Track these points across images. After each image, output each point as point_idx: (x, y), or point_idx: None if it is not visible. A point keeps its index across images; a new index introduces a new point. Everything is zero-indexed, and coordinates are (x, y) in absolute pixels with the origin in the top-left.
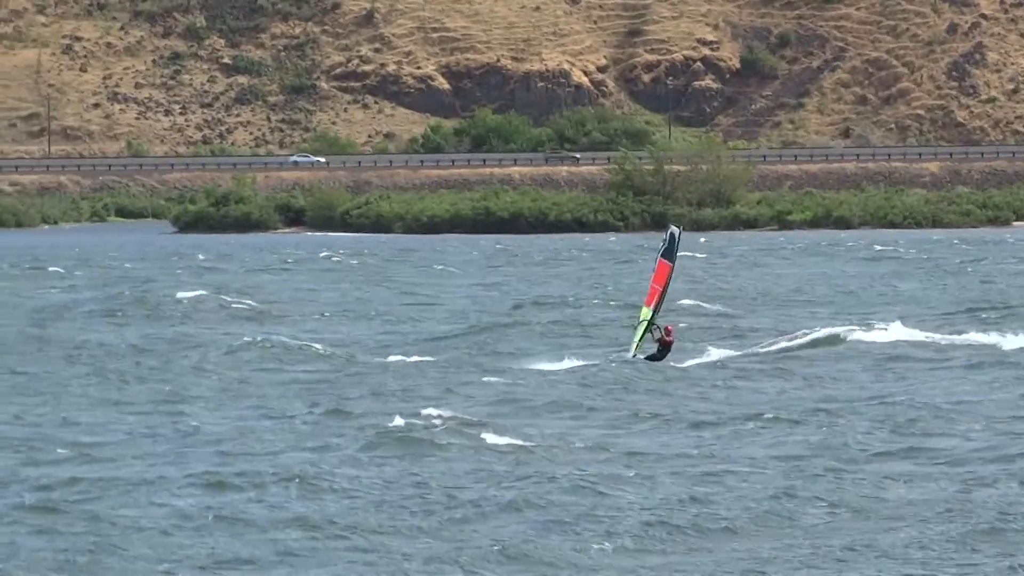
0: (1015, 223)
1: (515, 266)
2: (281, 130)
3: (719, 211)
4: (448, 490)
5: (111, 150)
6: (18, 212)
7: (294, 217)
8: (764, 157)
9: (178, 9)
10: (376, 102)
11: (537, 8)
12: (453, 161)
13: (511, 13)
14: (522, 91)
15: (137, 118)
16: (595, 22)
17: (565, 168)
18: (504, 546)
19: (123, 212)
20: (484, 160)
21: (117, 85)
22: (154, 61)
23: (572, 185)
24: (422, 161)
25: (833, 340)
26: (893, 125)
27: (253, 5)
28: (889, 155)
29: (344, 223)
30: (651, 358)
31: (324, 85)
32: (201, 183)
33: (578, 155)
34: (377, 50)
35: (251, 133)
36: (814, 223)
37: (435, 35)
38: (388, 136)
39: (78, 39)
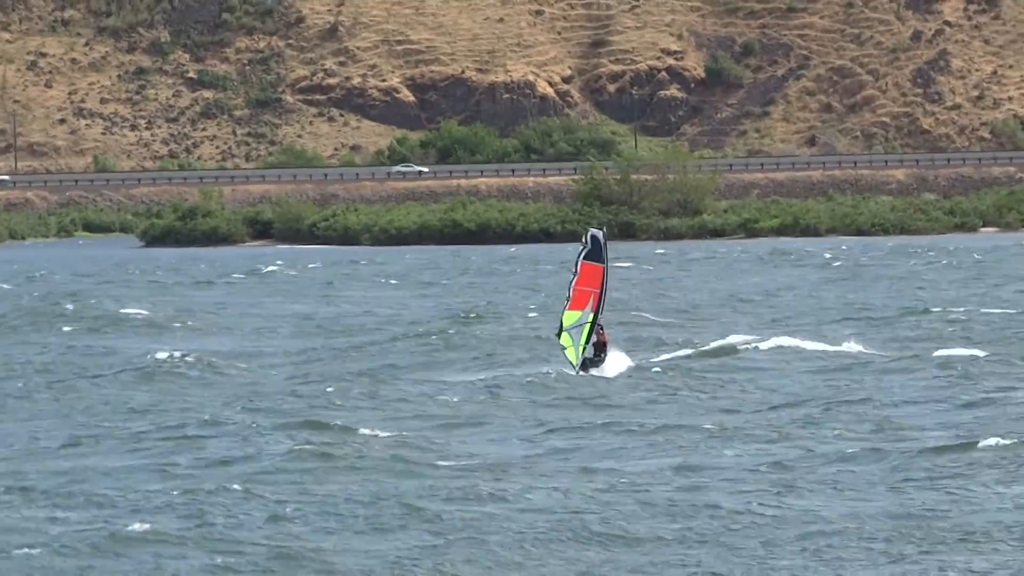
0: (982, 229)
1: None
2: (247, 143)
3: (686, 220)
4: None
5: (78, 165)
6: None
7: (262, 230)
8: (731, 166)
9: (142, 24)
10: (342, 115)
11: (501, 20)
12: (419, 173)
13: (475, 25)
14: (487, 102)
15: (103, 133)
16: (559, 33)
17: (532, 179)
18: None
19: (90, 227)
20: (450, 172)
21: (83, 101)
22: (119, 76)
23: (539, 196)
24: (388, 173)
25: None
26: (859, 133)
27: (217, 20)
28: (855, 163)
29: (312, 235)
30: (589, 362)
31: (289, 98)
32: (168, 197)
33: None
34: (342, 63)
35: (217, 147)
36: (781, 231)
37: (399, 47)
38: (354, 148)
39: (43, 55)
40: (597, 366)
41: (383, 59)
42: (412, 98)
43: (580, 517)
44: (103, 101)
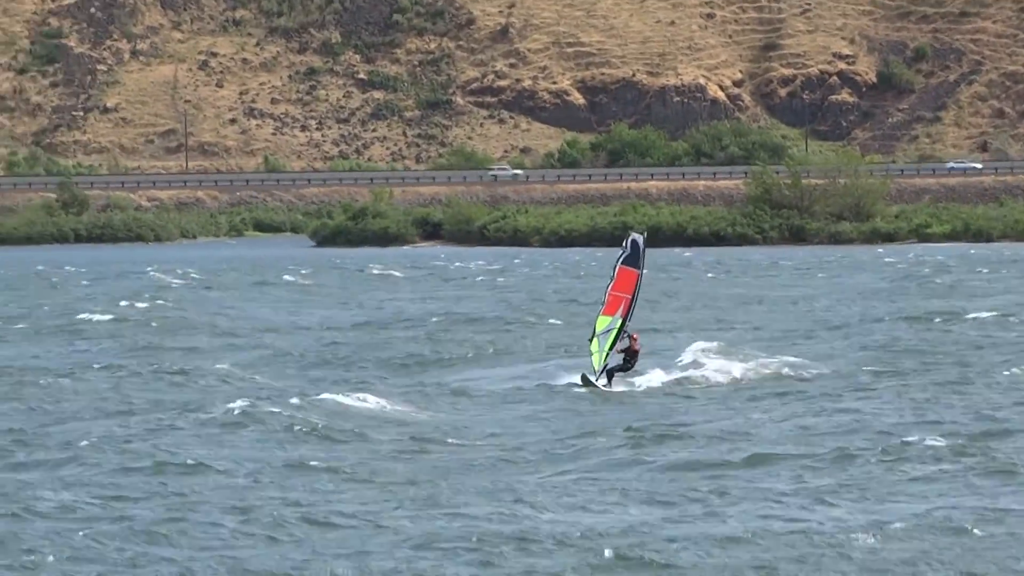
0: None
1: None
2: (417, 145)
3: (857, 225)
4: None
5: (248, 165)
6: (156, 227)
7: (431, 231)
8: (902, 171)
9: (313, 25)
10: (512, 117)
11: (672, 22)
12: (590, 176)
13: (646, 28)
14: (658, 105)
15: (274, 133)
16: (730, 36)
17: (702, 182)
18: None
19: (261, 227)
20: (621, 175)
21: (253, 101)
22: (290, 77)
23: (709, 200)
24: (558, 176)
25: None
26: None
27: (388, 21)
28: None
29: (482, 237)
30: (617, 369)
31: (460, 100)
32: (338, 198)
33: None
34: (512, 65)
35: (387, 148)
36: (953, 236)
37: (570, 50)
38: (524, 151)
39: (214, 55)
40: (626, 370)
41: (554, 61)
42: (583, 100)
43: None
44: (274, 101)
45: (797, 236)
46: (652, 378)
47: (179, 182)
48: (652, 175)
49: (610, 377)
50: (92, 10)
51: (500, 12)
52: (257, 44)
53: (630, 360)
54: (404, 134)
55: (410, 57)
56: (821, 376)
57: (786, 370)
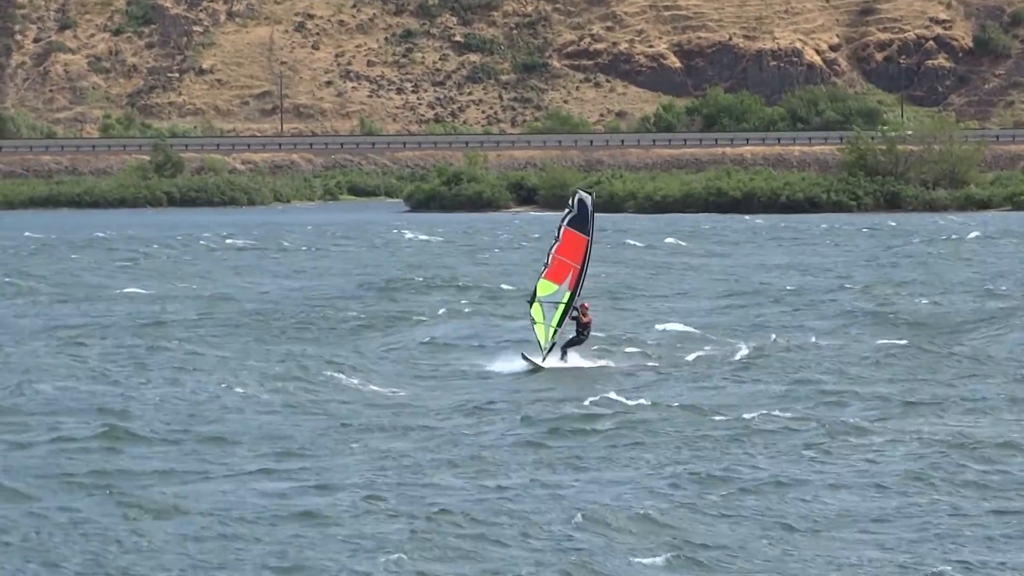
0: None
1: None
2: (513, 108)
3: (952, 192)
4: None
5: (343, 128)
6: (250, 190)
7: (526, 196)
8: (997, 137)
9: None
10: (608, 80)
11: None
12: (685, 140)
13: None
14: (754, 70)
15: (369, 96)
16: (827, 0)
17: (798, 147)
18: None
19: (355, 190)
20: (716, 140)
21: (349, 63)
22: (386, 39)
23: (804, 165)
24: (654, 140)
25: None
26: None
27: None
28: None
29: None
30: (571, 343)
31: (556, 63)
32: (433, 161)
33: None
34: (609, 28)
35: (483, 111)
36: None
37: (667, 13)
38: (620, 115)
39: (311, 16)
40: (579, 343)
41: (650, 25)
42: (679, 64)
43: None
44: (370, 64)
45: (892, 203)
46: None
47: (274, 145)
48: (747, 140)
49: (564, 352)
50: None
51: None
52: (354, 6)
53: (582, 331)
54: (500, 97)
55: (507, 20)
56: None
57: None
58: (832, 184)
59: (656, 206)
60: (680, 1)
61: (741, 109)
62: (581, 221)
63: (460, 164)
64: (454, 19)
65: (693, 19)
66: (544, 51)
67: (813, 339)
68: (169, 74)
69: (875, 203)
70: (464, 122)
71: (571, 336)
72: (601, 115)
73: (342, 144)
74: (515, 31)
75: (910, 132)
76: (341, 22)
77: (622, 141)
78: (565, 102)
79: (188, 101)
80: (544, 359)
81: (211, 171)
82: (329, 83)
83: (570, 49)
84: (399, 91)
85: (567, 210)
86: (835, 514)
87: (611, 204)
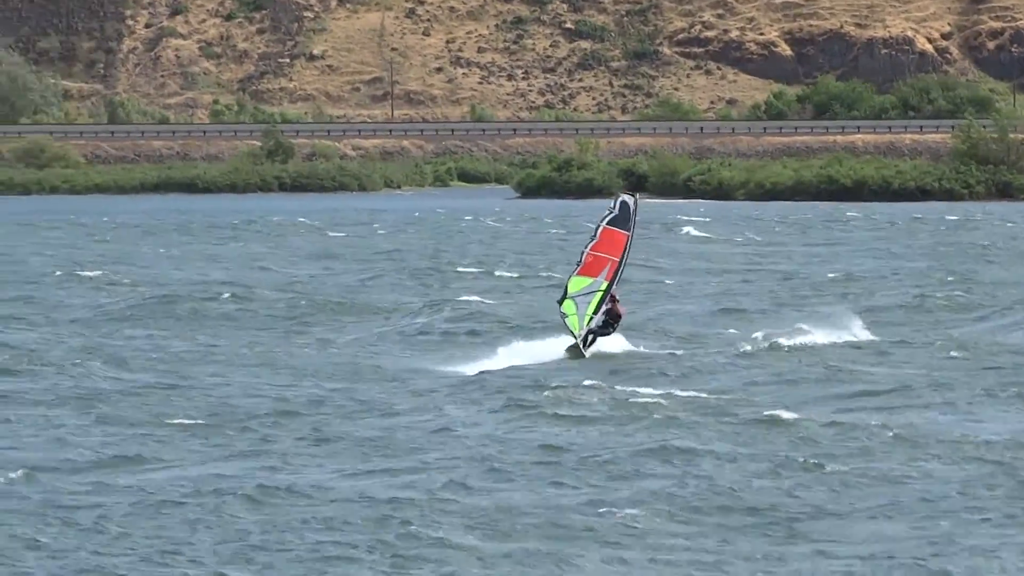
0: None
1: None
2: (623, 95)
3: None
4: None
5: (454, 115)
6: (360, 176)
7: (636, 183)
8: None
9: None
10: (719, 68)
11: None
12: (796, 128)
13: None
14: (865, 58)
15: (480, 83)
16: None
17: (909, 136)
18: None
19: (466, 177)
20: (827, 128)
21: (460, 49)
22: (497, 26)
23: (916, 153)
24: (764, 128)
25: None
26: None
27: None
28: None
29: (687, 189)
30: (598, 332)
31: (666, 51)
32: (543, 148)
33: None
34: (720, 16)
35: (593, 98)
36: None
37: (778, 1)
38: (730, 103)
39: (421, 3)
40: (607, 335)
41: (761, 12)
42: (790, 52)
43: None
44: (480, 50)
45: (1004, 192)
46: None
47: (384, 131)
48: (858, 128)
49: (587, 341)
50: None
51: None
52: None
53: (612, 323)
54: (610, 84)
55: (617, 7)
56: None
57: None
58: (944, 173)
59: (766, 194)
60: None
61: (852, 97)
62: (622, 220)
63: (570, 151)
64: (564, 6)
65: (804, 7)
66: (655, 38)
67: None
68: (280, 60)
69: (987, 192)
70: (575, 109)
71: (598, 326)
72: (711, 103)
73: (452, 131)
74: (625, 18)
75: (1022, 120)
76: (452, 8)
77: (732, 129)
78: (676, 89)
79: (299, 87)
80: (585, 346)
81: (322, 157)
82: (440, 69)
83: (681, 36)
84: (509, 77)
85: (607, 211)
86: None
87: (720, 191)
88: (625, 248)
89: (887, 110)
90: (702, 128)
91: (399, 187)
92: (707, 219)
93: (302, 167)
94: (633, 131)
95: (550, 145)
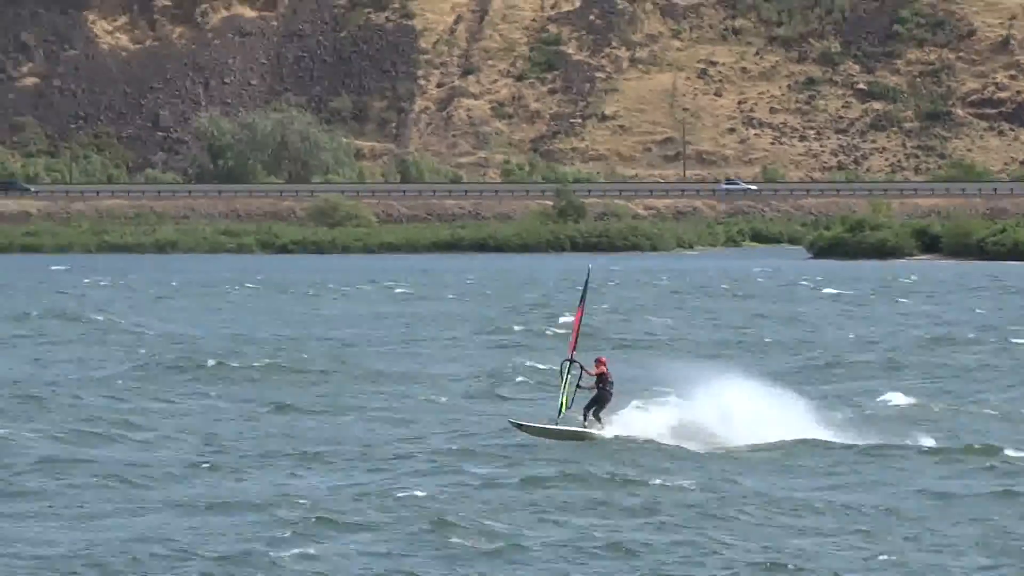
0: None
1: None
2: (917, 156)
3: None
4: None
5: (745, 175)
6: (653, 235)
7: (929, 243)
8: None
9: (813, 35)
10: (1012, 129)
11: None
12: (746, 191)
13: None
14: None
15: (772, 143)
16: None
17: None
18: None
19: (758, 237)
20: None
21: (752, 110)
22: (789, 86)
23: None
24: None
25: None
26: None
27: (888, 31)
28: None
29: (980, 251)
30: (595, 403)
31: (960, 112)
32: (835, 209)
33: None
34: (1013, 76)
35: (886, 159)
36: None
37: None
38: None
39: (713, 64)
40: (606, 400)
41: None
42: None
43: None
44: (772, 111)
45: None
46: None
47: (676, 191)
48: None
49: (586, 416)
50: (591, 17)
51: (1001, 24)
52: (756, 53)
53: (606, 388)
54: (903, 145)
55: (909, 68)
56: None
57: None
58: None
59: None
60: None
61: None
62: (584, 294)
63: (863, 211)
64: (857, 67)
65: None
66: (948, 99)
67: None
68: (572, 119)
69: None
70: (867, 170)
71: (592, 397)
72: (1005, 163)
73: (745, 191)
74: (918, 79)
75: None
76: (744, 69)
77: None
78: (969, 150)
79: (590, 147)
80: (586, 422)
81: (614, 216)
82: (732, 130)
83: (974, 97)
84: (802, 138)
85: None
86: None
87: (1016, 252)
88: (580, 321)
89: None
90: (995, 189)
91: (691, 247)
92: None
93: (594, 226)
94: (926, 192)
95: (842, 206)
